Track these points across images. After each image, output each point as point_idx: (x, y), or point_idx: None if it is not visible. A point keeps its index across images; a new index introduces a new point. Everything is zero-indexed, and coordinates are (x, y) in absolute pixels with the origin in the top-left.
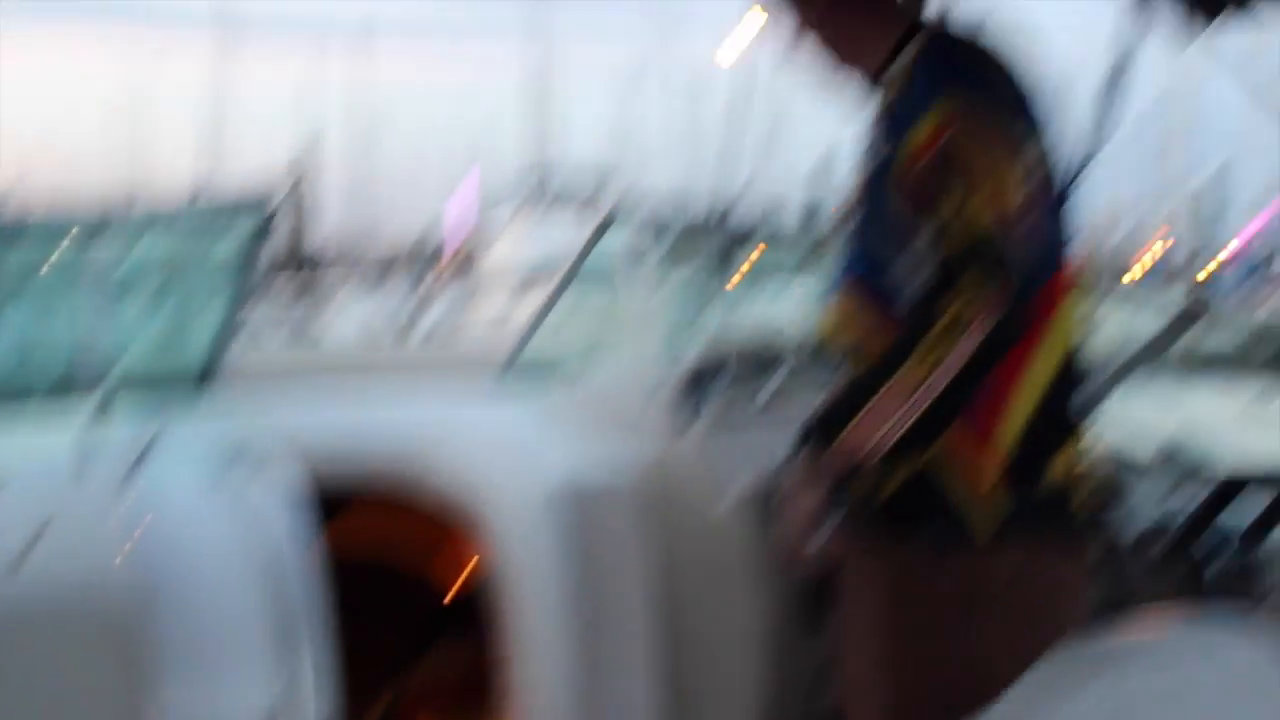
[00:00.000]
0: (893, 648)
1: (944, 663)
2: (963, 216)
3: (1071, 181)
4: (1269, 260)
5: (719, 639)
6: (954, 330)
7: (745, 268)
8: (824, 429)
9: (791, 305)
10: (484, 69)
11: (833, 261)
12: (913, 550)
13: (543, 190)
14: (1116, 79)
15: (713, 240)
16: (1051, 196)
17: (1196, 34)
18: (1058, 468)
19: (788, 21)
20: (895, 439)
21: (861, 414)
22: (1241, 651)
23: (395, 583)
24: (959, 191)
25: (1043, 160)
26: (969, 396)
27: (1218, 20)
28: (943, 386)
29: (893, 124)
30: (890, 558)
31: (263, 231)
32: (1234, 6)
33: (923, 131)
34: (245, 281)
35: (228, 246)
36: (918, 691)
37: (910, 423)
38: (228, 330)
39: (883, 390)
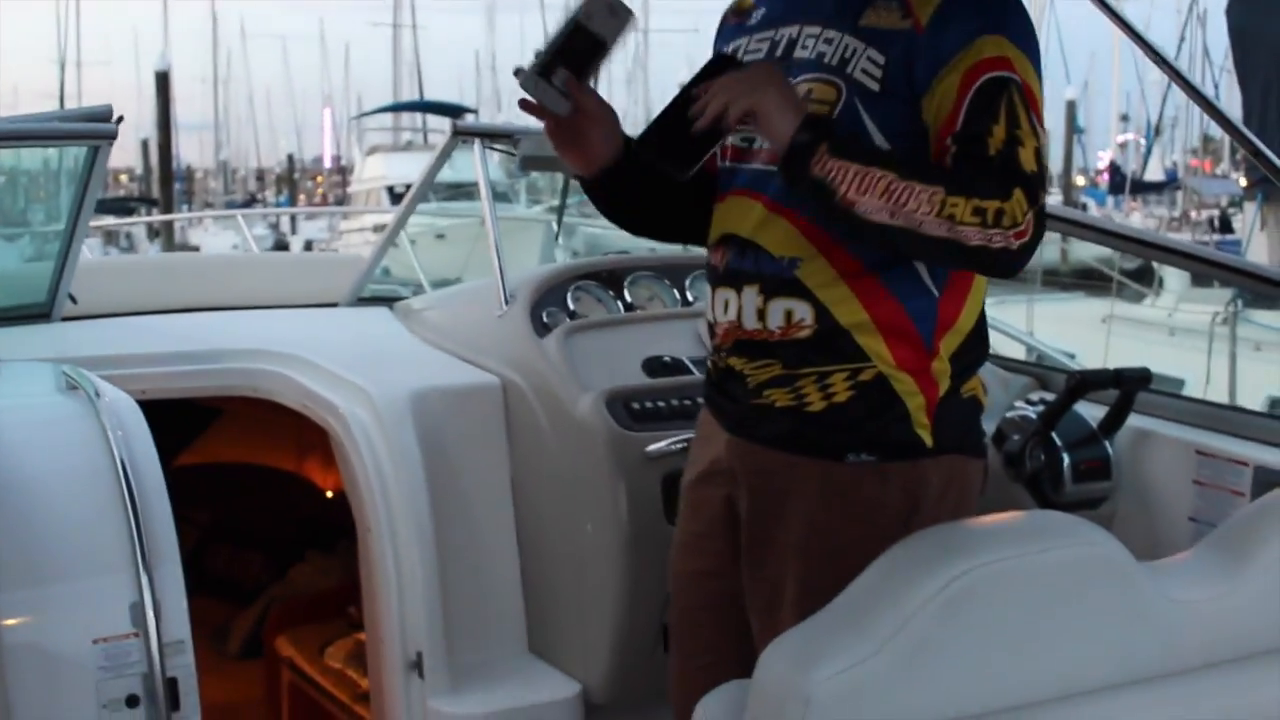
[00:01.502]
0: (831, 562)
1: None
2: (1014, 153)
3: None
4: (1132, 176)
5: (578, 541)
6: (979, 215)
7: None
8: (828, 133)
9: None
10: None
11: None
12: (856, 462)
13: (402, 120)
14: None
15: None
16: None
17: None
18: (975, 379)
19: None
20: (848, 214)
21: (867, 166)
22: (1084, 538)
23: (274, 482)
24: (1005, 128)
25: None
26: (928, 259)
27: None
28: (929, 233)
29: (922, 49)
30: (830, 470)
31: (106, 144)
32: None
33: (965, 62)
34: (89, 195)
35: (71, 158)
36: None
37: (876, 220)
38: (74, 245)
39: (900, 179)
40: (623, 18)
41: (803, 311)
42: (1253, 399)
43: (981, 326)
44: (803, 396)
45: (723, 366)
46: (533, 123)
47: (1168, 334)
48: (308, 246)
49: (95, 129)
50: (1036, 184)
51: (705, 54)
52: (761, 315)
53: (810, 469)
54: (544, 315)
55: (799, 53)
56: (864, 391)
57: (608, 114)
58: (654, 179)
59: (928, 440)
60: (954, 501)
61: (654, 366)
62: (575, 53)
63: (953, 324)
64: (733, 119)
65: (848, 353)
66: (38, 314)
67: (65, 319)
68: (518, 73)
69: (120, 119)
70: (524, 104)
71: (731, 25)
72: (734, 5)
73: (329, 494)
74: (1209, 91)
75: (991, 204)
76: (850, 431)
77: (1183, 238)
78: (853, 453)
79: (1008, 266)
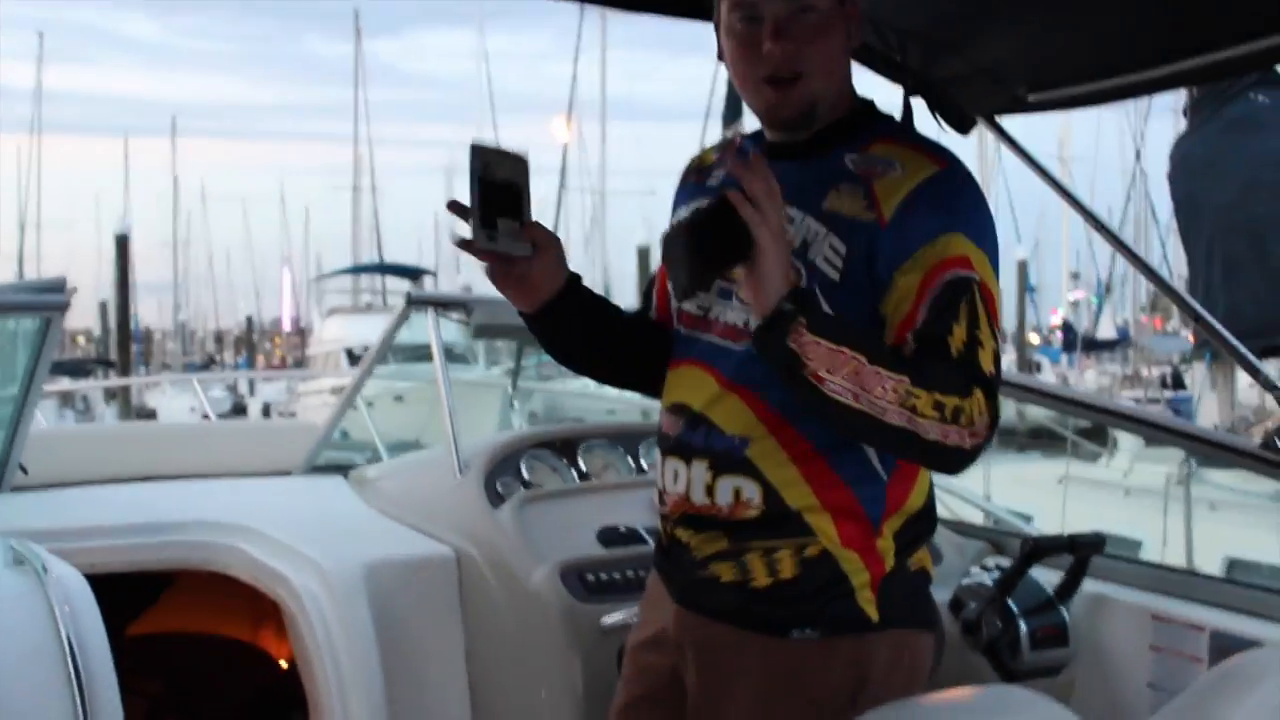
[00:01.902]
0: None
1: None
2: (974, 355)
3: None
4: (1085, 335)
5: (534, 714)
6: (939, 410)
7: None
8: (810, 309)
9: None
10: (303, 166)
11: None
12: (800, 639)
13: (361, 282)
14: None
15: (522, 328)
16: None
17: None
18: (922, 552)
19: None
20: (825, 396)
21: (839, 346)
22: (1042, 714)
23: (227, 653)
24: (965, 329)
25: None
26: (884, 447)
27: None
28: (888, 421)
29: (886, 240)
30: (773, 646)
31: (58, 315)
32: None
33: (928, 260)
34: (40, 366)
35: (24, 328)
36: None
37: (840, 401)
38: (25, 415)
39: (867, 363)
40: (516, 157)
41: (751, 490)
42: (1209, 559)
43: (929, 504)
44: (748, 571)
45: (671, 535)
46: (490, 290)
47: (1123, 494)
48: (266, 409)
49: (47, 300)
50: (995, 387)
51: (661, 216)
52: (710, 492)
53: (755, 644)
54: (498, 485)
55: None
56: (809, 567)
57: (555, 243)
58: (596, 313)
59: (873, 615)
60: (904, 676)
61: (609, 537)
62: (500, 204)
63: (900, 506)
64: (763, 236)
65: (794, 530)
66: None
67: (15, 489)
68: (466, 244)
69: (73, 290)
70: (485, 255)
71: (692, 184)
72: (694, 164)
73: (284, 664)
74: (1156, 251)
75: (951, 400)
76: (795, 607)
77: (1135, 393)
78: (797, 629)
79: (957, 464)
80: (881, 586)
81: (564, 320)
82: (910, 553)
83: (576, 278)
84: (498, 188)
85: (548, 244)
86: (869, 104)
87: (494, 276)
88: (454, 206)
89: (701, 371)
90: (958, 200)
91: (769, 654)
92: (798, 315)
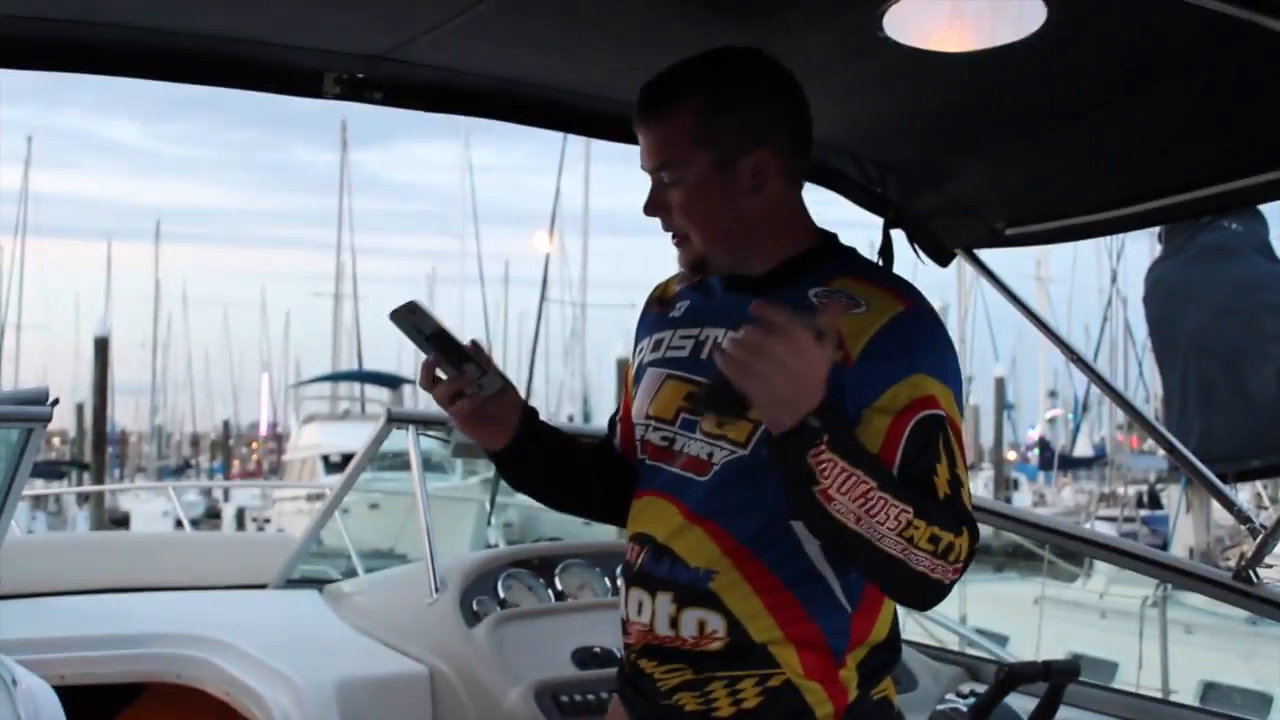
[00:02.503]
0: None
1: None
2: (957, 494)
3: None
4: (1062, 452)
5: None
6: (934, 543)
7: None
8: (836, 423)
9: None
10: (285, 272)
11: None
12: None
13: (340, 389)
14: None
15: None
16: None
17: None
18: (888, 680)
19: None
20: (829, 513)
21: (853, 467)
22: None
23: None
24: (947, 468)
25: None
26: (870, 573)
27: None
28: (883, 549)
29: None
30: None
31: (39, 427)
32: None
33: (901, 398)
34: (18, 478)
35: (3, 437)
36: None
37: (843, 522)
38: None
39: (878, 488)
40: (415, 306)
41: (716, 623)
42: (1185, 681)
43: (893, 635)
44: (711, 701)
45: (634, 664)
46: None
47: (1099, 616)
48: (240, 515)
49: (29, 412)
50: (976, 526)
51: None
52: (674, 624)
53: None
54: (474, 603)
55: None
56: (772, 698)
57: (509, 384)
58: (559, 444)
59: None
60: None
61: (584, 657)
62: (451, 351)
63: (865, 638)
64: (754, 391)
65: (758, 662)
66: None
67: None
68: (454, 397)
69: (55, 402)
70: (455, 398)
71: (654, 314)
72: (656, 293)
73: None
74: (1134, 371)
75: (947, 536)
76: None
77: (1112, 511)
78: None
79: (933, 599)
80: (845, 717)
81: (530, 452)
82: (875, 683)
83: (532, 410)
84: (440, 339)
85: (508, 385)
86: (832, 237)
87: (467, 421)
88: (428, 377)
89: (665, 503)
90: (925, 340)
91: None
92: (822, 433)
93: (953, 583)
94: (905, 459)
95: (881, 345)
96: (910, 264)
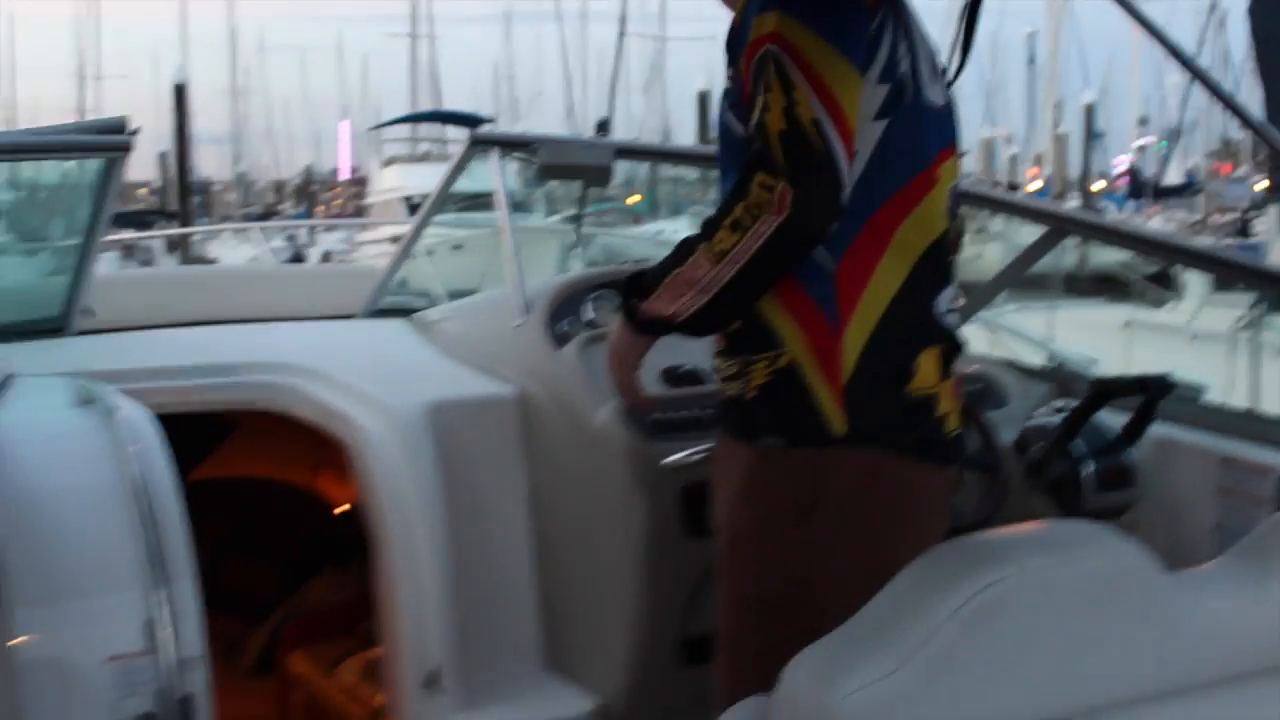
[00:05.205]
0: (740, 546)
1: (786, 563)
2: (760, 123)
3: (925, 94)
4: (1151, 180)
5: (596, 553)
6: (737, 228)
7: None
8: (635, 288)
9: (670, 229)
10: (360, 15)
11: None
12: (767, 446)
13: (420, 131)
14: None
15: (591, 165)
16: (905, 101)
17: None
18: (921, 375)
19: None
20: (691, 314)
21: (663, 283)
22: (1110, 548)
23: (288, 497)
24: (762, 99)
25: (890, 66)
26: (756, 292)
27: None
28: (728, 277)
29: (737, 44)
30: (740, 455)
31: (121, 156)
32: None
33: (747, 46)
34: (104, 208)
35: (88, 170)
36: (759, 591)
37: (700, 305)
38: (88, 259)
39: (683, 266)
40: None
41: None
42: (1276, 404)
43: (915, 302)
44: (740, 386)
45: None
46: (550, 132)
47: (1189, 339)
48: (325, 258)
49: (110, 141)
50: (774, 150)
51: (720, 61)
52: None
53: (736, 453)
54: (562, 325)
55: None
56: (778, 377)
57: None
58: None
59: (837, 427)
60: (876, 501)
61: (672, 376)
62: None
63: (859, 297)
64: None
65: (766, 341)
66: (53, 328)
67: (81, 333)
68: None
69: (136, 131)
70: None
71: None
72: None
73: (344, 508)
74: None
75: (736, 211)
76: (763, 416)
77: (1204, 239)
78: (766, 436)
79: (798, 233)
80: (850, 400)
81: None
82: (895, 364)
83: None
84: None
85: None
86: None
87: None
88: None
89: None
90: None
91: (740, 462)
92: (628, 297)
93: (799, 206)
94: (750, 100)
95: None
96: None
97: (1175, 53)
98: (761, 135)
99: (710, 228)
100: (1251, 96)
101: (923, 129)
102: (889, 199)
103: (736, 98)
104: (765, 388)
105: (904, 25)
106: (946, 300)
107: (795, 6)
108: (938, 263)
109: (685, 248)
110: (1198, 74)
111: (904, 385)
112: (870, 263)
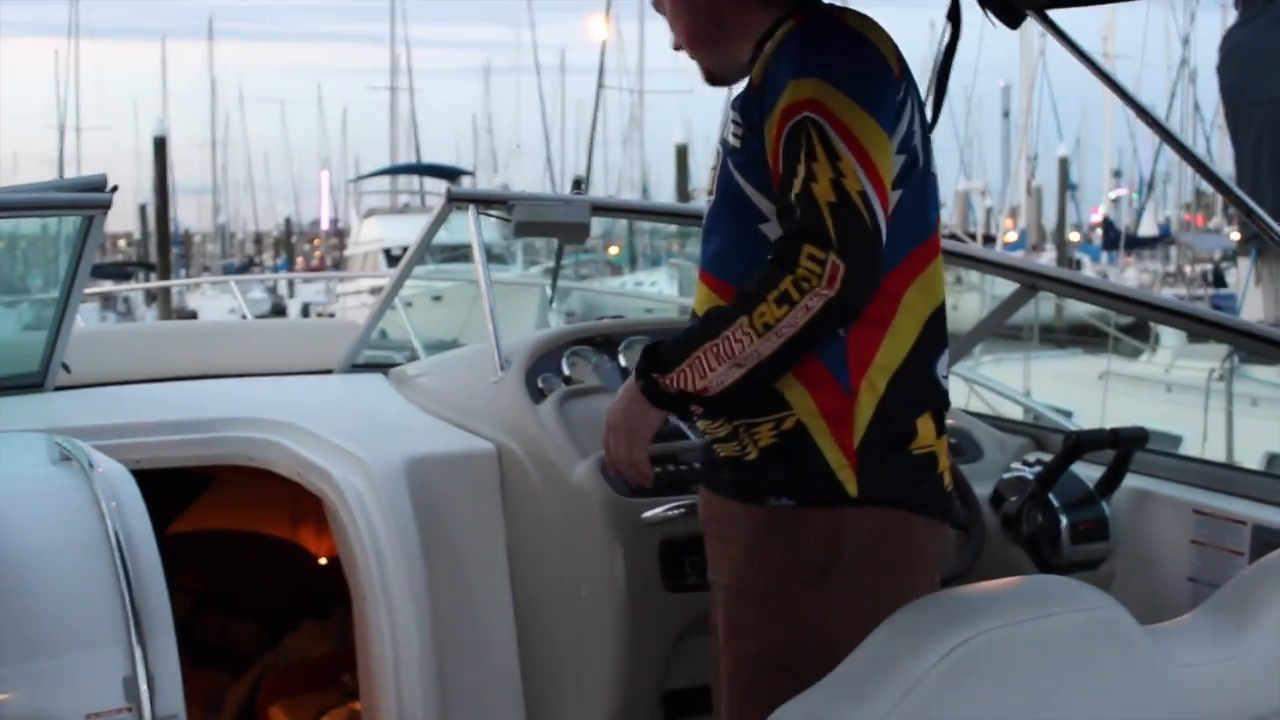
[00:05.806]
0: (750, 606)
1: (799, 623)
2: (806, 193)
3: (929, 157)
4: (1125, 232)
5: (575, 608)
6: (784, 302)
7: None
8: (652, 361)
9: (648, 281)
10: (340, 68)
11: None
12: (776, 506)
13: (399, 183)
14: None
15: (567, 223)
16: (917, 171)
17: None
18: (923, 434)
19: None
20: (724, 389)
21: (691, 356)
22: (1086, 602)
23: (267, 549)
24: (804, 167)
25: (908, 136)
26: (789, 366)
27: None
28: (769, 351)
29: (757, 106)
30: (744, 514)
31: (100, 213)
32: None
33: (778, 110)
34: (83, 264)
35: (67, 224)
36: (769, 652)
37: (734, 379)
38: (67, 314)
39: (717, 339)
40: None
41: None
42: (1250, 455)
43: (919, 366)
44: (741, 445)
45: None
46: (527, 188)
47: (1164, 390)
48: (305, 310)
49: (89, 199)
50: (825, 223)
51: (698, 114)
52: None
53: (739, 513)
54: (539, 381)
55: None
56: (786, 438)
57: None
58: None
59: (850, 489)
60: (886, 558)
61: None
62: None
63: (870, 361)
64: (624, 461)
65: (772, 403)
66: (31, 383)
67: (59, 388)
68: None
69: (114, 188)
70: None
71: None
72: None
73: (322, 561)
74: (1200, 148)
75: (784, 285)
76: (771, 477)
77: (1177, 292)
78: (774, 497)
79: (845, 310)
80: (862, 461)
81: None
82: (902, 426)
83: None
84: None
85: None
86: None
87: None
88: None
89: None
90: (810, 46)
91: (748, 522)
92: (647, 371)
93: (848, 284)
94: (782, 166)
95: (776, 62)
96: (978, 28)
97: (1143, 113)
98: (808, 205)
99: (751, 300)
100: (1224, 150)
101: (926, 196)
102: (897, 266)
103: (749, 159)
104: (770, 449)
105: (915, 94)
106: (945, 363)
107: (835, 74)
108: (939, 327)
109: (718, 319)
110: (1165, 134)
111: (909, 444)
112: (881, 328)
